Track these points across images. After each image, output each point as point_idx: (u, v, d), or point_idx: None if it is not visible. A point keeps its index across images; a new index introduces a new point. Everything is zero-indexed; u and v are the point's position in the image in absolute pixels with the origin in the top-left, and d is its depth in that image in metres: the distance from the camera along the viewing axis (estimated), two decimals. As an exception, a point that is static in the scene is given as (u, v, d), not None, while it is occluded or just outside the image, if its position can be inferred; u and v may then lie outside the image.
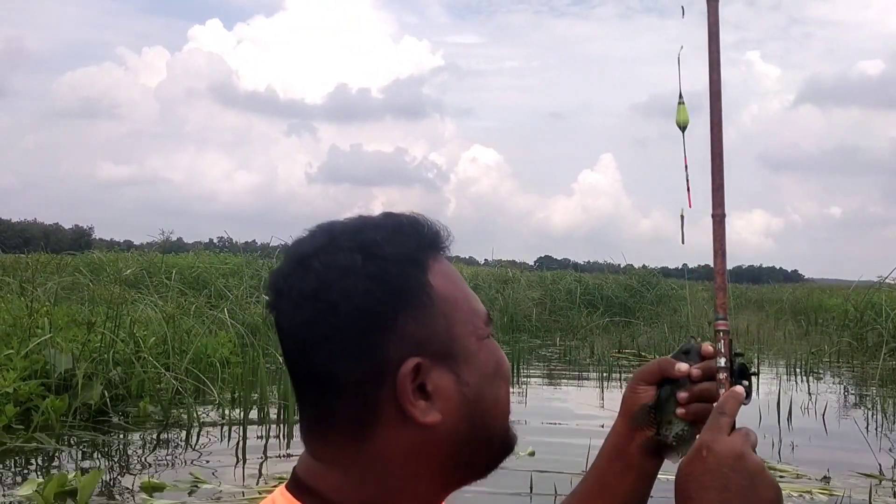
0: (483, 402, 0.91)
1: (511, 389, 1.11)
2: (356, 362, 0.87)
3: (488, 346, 0.93)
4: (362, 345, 0.87)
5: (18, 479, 5.24)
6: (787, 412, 7.79)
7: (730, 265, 1.11)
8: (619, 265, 26.42)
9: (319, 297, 0.86)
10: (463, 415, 0.89)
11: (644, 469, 1.13)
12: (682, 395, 1.07)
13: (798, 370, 11.66)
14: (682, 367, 1.08)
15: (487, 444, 0.92)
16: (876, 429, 7.54)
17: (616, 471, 1.13)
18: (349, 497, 0.89)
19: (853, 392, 10.38)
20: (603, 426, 7.56)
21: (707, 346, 1.09)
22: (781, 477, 5.36)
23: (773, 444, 6.37)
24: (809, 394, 9.19)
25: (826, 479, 5.43)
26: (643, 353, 13.12)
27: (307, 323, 0.87)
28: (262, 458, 5.86)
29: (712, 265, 1.09)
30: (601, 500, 1.13)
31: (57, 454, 5.75)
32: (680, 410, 1.07)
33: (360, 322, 0.87)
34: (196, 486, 4.89)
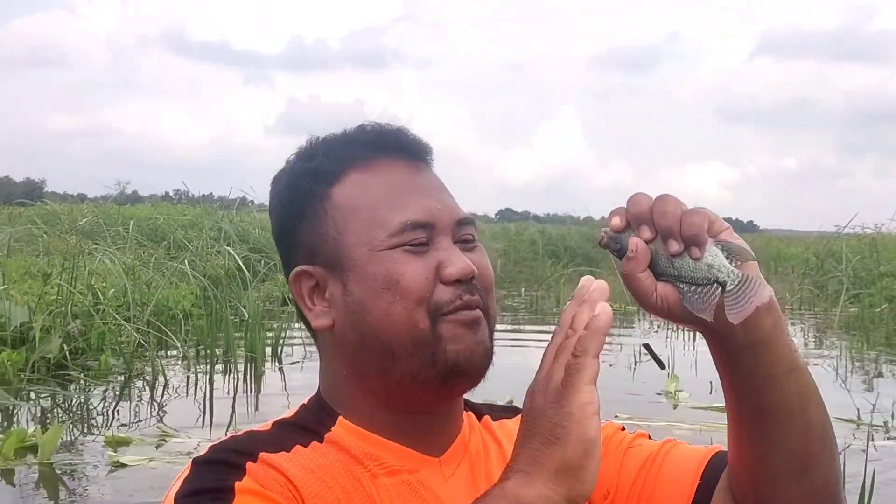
0: (370, 314, 0.91)
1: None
2: (285, 267, 1.00)
3: (382, 258, 0.91)
4: (281, 252, 1.01)
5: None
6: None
7: None
8: (579, 217, 26.54)
9: (269, 212, 1.02)
10: (349, 323, 0.93)
11: (714, 357, 0.90)
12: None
13: (762, 318, 11.77)
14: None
15: (390, 356, 0.91)
16: (845, 374, 7.60)
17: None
18: (324, 389, 1.00)
19: (817, 339, 10.48)
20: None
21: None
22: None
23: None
24: (776, 341, 9.25)
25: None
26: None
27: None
28: (230, 410, 5.69)
29: None
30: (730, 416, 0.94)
31: (16, 410, 5.52)
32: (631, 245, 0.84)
33: (276, 232, 1.01)
34: (164, 441, 4.72)
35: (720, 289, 0.83)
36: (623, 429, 1.07)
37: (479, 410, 1.07)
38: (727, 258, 0.84)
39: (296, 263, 0.98)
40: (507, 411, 1.10)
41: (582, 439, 0.76)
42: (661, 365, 1.08)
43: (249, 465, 0.87)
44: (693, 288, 0.84)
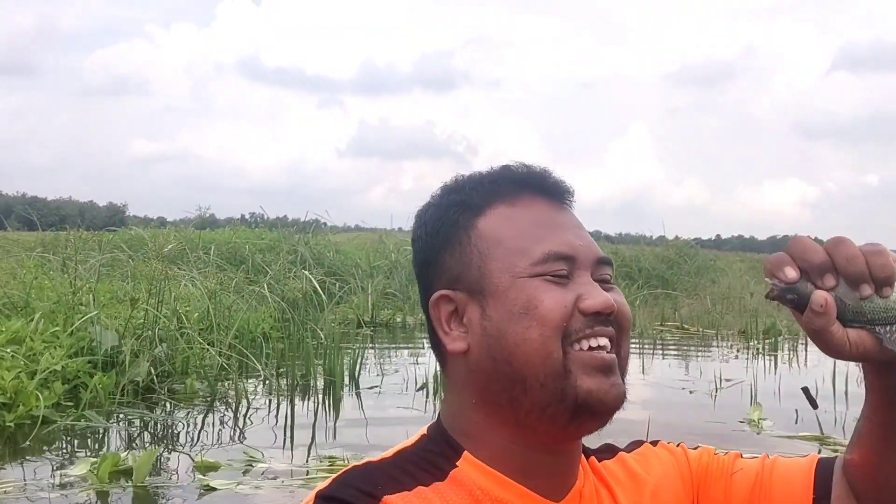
0: (505, 339, 0.92)
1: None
2: (423, 294, 1.02)
3: (524, 285, 0.93)
4: (421, 279, 1.03)
5: (69, 457, 5.20)
6: (843, 383, 7.54)
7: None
8: (651, 236, 26.08)
9: (412, 242, 1.06)
10: (485, 348, 0.94)
11: (876, 382, 0.94)
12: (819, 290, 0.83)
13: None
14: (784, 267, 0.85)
15: (521, 385, 0.91)
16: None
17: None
18: (447, 419, 0.99)
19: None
20: (652, 388, 7.45)
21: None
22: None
23: (835, 419, 6.13)
24: (863, 366, 8.93)
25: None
26: (685, 326, 12.92)
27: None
28: (310, 435, 5.77)
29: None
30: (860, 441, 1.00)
31: (107, 432, 5.71)
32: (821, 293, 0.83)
33: (419, 260, 1.03)
34: (250, 466, 4.81)
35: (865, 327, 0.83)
36: (716, 452, 1.11)
37: (583, 449, 1.06)
38: None
39: (436, 289, 1.00)
40: (607, 451, 1.10)
41: None
42: (814, 405, 1.10)
43: None
44: (889, 328, 0.84)
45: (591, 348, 0.93)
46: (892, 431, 0.95)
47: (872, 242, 0.84)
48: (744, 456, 1.10)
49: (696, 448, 1.12)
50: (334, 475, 0.94)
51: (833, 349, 0.85)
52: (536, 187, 1.01)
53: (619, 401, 0.93)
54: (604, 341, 0.93)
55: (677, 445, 1.12)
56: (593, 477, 1.04)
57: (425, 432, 1.01)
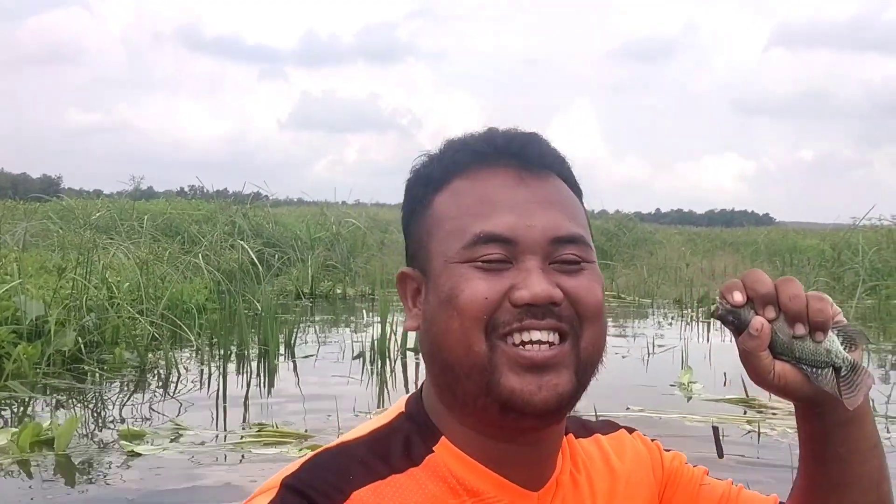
0: (435, 326, 0.89)
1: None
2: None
3: (452, 271, 0.87)
4: (405, 250, 0.98)
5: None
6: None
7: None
8: (594, 210, 26.47)
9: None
10: (424, 332, 0.91)
11: (803, 428, 0.98)
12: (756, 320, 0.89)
13: (778, 310, 11.65)
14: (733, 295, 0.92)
15: (452, 373, 0.87)
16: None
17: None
18: (426, 398, 0.95)
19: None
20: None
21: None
22: (781, 418, 5.30)
23: (761, 382, 6.29)
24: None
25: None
26: (622, 295, 13.10)
27: None
28: (243, 404, 5.70)
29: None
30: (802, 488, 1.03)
31: (32, 402, 5.56)
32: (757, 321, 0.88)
33: (403, 231, 0.98)
34: (178, 434, 4.72)
35: (835, 373, 0.89)
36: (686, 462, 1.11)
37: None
38: (843, 342, 0.90)
39: (406, 264, 0.97)
40: (582, 429, 1.06)
41: None
42: (720, 453, 1.14)
43: None
44: (813, 370, 0.90)
45: (523, 343, 0.85)
46: (818, 484, 0.98)
47: (819, 293, 0.90)
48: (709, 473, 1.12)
49: (668, 451, 1.10)
50: (302, 459, 0.88)
51: (758, 373, 0.90)
52: (503, 156, 0.91)
53: (549, 403, 0.85)
54: (538, 335, 0.85)
55: (652, 441, 1.10)
56: (570, 460, 0.99)
57: (403, 409, 0.96)
